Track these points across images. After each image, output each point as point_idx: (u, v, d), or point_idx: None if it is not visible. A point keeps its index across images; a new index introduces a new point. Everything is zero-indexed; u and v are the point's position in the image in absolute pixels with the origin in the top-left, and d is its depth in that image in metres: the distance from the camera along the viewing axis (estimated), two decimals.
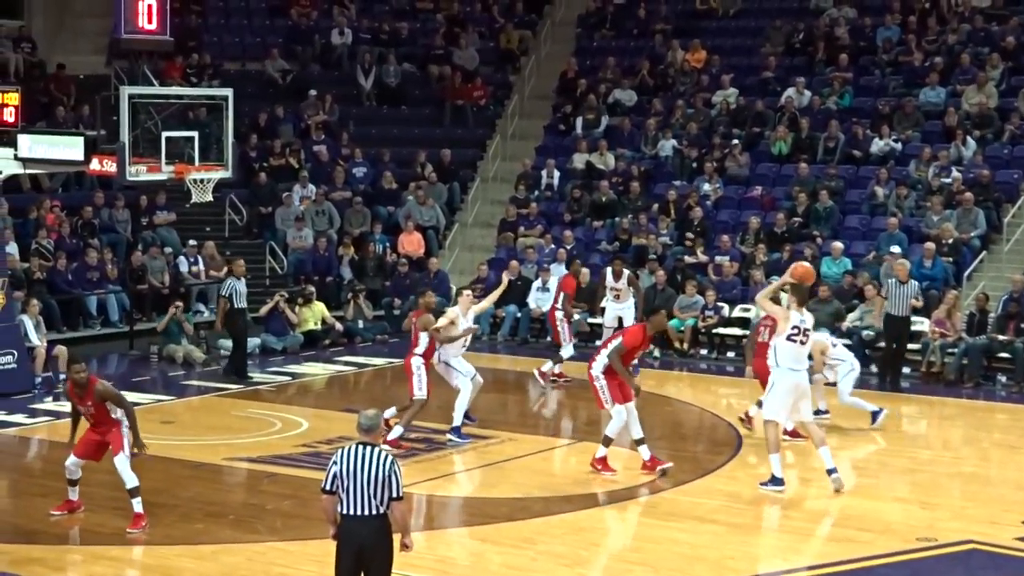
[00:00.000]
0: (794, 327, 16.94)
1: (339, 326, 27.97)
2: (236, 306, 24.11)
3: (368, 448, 11.06)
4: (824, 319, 25.50)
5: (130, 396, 22.30)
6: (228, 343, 25.30)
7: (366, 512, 10.98)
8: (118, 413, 15.37)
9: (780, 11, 35.80)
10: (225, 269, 28.65)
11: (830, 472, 17.14)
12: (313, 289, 28.31)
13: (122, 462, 15.21)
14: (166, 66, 32.26)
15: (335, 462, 11.04)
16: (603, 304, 24.93)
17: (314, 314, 27.67)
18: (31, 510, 16.15)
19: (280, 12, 38.15)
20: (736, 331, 26.92)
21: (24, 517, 15.98)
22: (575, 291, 24.76)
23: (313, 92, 34.78)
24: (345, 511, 11.03)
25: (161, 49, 22.72)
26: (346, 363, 26.13)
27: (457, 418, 19.52)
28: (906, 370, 25.30)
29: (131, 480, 15.20)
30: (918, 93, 31.67)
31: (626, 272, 25.00)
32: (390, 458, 11.11)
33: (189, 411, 22.28)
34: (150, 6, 20.68)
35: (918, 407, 23.58)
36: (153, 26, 20.78)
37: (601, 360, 17.78)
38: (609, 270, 25.10)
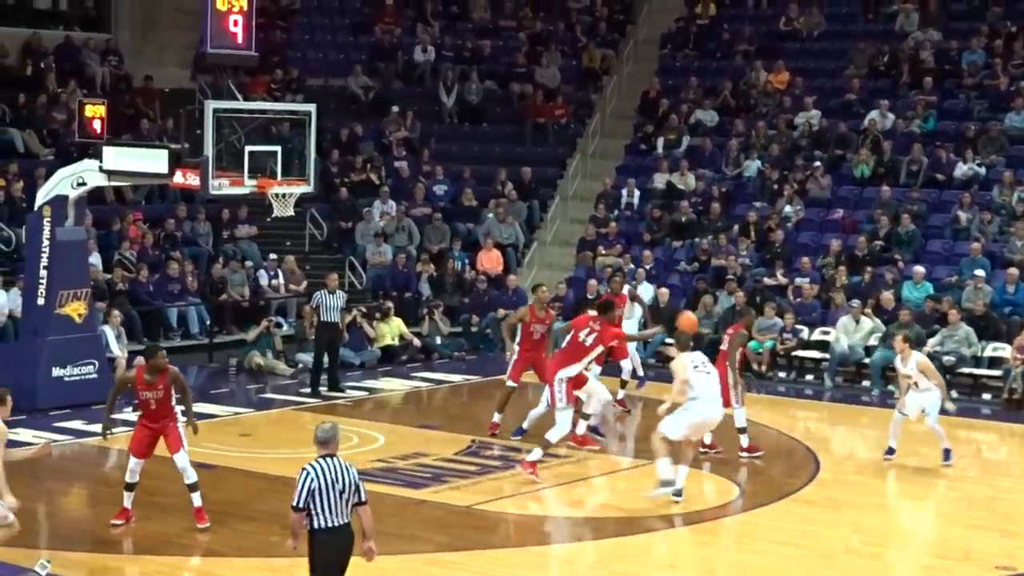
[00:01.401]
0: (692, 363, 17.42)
1: (417, 342, 28.03)
2: (321, 319, 24.24)
3: (333, 459, 11.40)
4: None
5: (209, 408, 22.62)
6: (307, 357, 25.44)
7: (341, 522, 11.31)
8: (173, 403, 15.67)
9: (864, 33, 35.60)
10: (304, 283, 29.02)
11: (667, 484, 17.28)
12: (391, 304, 28.39)
13: (183, 458, 15.53)
14: (250, 81, 32.46)
15: (311, 478, 11.27)
16: None
17: (392, 329, 27.75)
18: (107, 520, 16.26)
19: (364, 29, 38.37)
20: (815, 354, 26.74)
21: (102, 526, 16.08)
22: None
23: (395, 108, 34.95)
24: (322, 525, 11.26)
25: (246, 64, 22.86)
26: (423, 379, 26.18)
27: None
28: (986, 396, 25.09)
29: (193, 475, 15.52)
30: (1003, 117, 31.39)
31: (627, 287, 24.52)
32: (352, 466, 11.46)
33: (267, 424, 22.39)
34: (236, 21, 20.88)
35: (999, 434, 23.33)
36: (239, 41, 20.97)
37: (575, 368, 18.63)
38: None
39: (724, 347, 19.82)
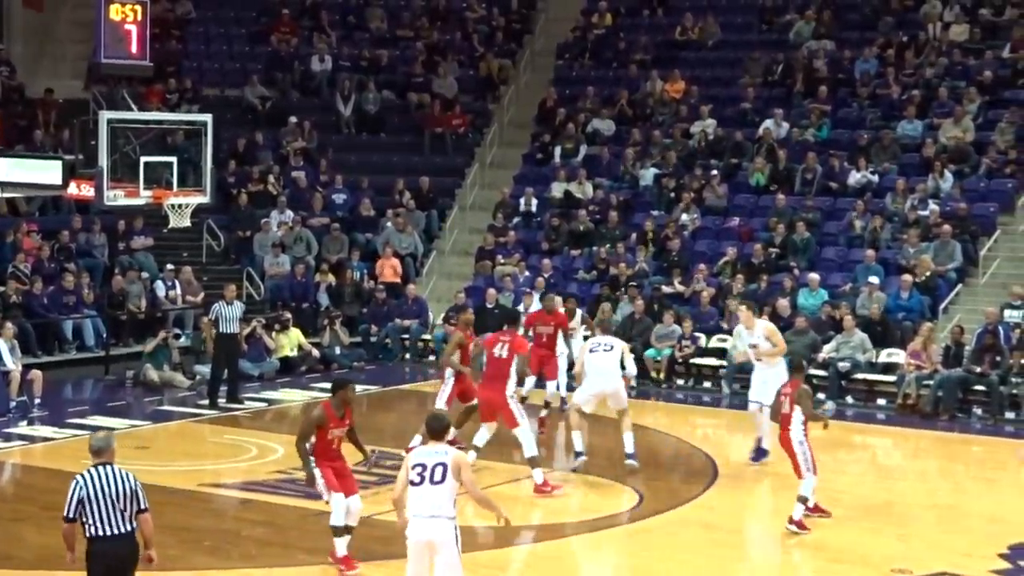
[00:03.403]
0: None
1: (316, 352, 27.96)
2: (220, 330, 24.13)
3: (108, 468, 11.30)
4: (800, 350, 25.58)
5: (105, 421, 22.41)
6: (205, 369, 25.30)
7: (119, 531, 11.21)
8: None
9: (759, 43, 35.92)
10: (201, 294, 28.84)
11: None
12: (290, 315, 28.29)
13: (359, 501, 15.01)
14: (146, 91, 32.23)
15: (80, 487, 11.21)
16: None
17: (290, 340, 27.66)
18: (4, 534, 16.06)
19: (260, 39, 38.18)
20: (712, 361, 26.94)
21: (2, 542, 15.89)
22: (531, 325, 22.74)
23: (293, 119, 34.80)
24: (96, 533, 11.19)
25: (141, 74, 22.70)
26: (322, 389, 25.93)
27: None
28: (881, 402, 25.38)
29: (356, 519, 14.95)
30: (895, 126, 31.77)
31: (579, 312, 24.74)
32: (131, 473, 11.38)
33: (164, 437, 22.22)
34: (130, 31, 20.67)
35: (893, 439, 23.62)
36: (133, 51, 20.78)
37: (512, 382, 18.67)
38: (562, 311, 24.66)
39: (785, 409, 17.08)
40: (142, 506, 11.31)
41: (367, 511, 16.95)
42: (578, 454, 19.42)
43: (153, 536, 11.48)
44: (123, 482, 11.24)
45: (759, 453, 20.26)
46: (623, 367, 19.60)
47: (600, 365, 19.43)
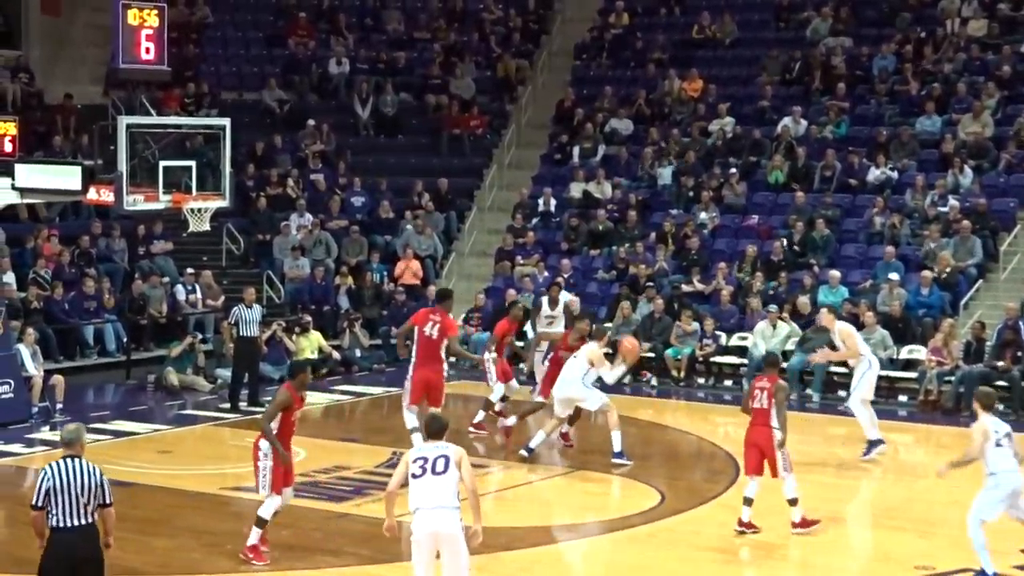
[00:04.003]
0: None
1: (336, 355, 27.97)
2: (240, 334, 24.19)
3: (76, 460, 11.50)
4: (821, 347, 25.54)
5: (127, 426, 22.48)
6: (226, 372, 25.34)
7: (81, 522, 11.41)
8: None
9: (776, 40, 35.88)
10: (221, 298, 28.89)
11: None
12: (310, 318, 28.31)
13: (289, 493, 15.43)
14: (164, 96, 32.30)
15: (48, 478, 11.38)
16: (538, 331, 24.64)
17: (311, 343, 27.66)
18: (28, 540, 16.06)
19: (277, 42, 38.23)
20: (733, 359, 26.92)
21: (21, 547, 15.89)
22: (504, 335, 22.65)
23: (311, 122, 34.83)
24: (58, 524, 11.38)
25: (159, 79, 22.71)
26: (343, 392, 26.11)
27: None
28: (903, 398, 25.33)
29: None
30: (914, 122, 31.71)
31: (562, 299, 24.80)
32: (98, 468, 11.56)
33: (186, 440, 22.25)
34: (148, 36, 20.71)
35: (915, 435, 23.56)
36: (151, 56, 20.81)
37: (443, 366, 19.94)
38: (545, 298, 24.95)
39: (761, 404, 16.57)
40: (106, 501, 11.50)
41: None
42: (529, 449, 19.97)
43: (114, 529, 11.71)
44: (90, 476, 11.42)
45: (871, 445, 20.78)
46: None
47: (562, 371, 19.95)
